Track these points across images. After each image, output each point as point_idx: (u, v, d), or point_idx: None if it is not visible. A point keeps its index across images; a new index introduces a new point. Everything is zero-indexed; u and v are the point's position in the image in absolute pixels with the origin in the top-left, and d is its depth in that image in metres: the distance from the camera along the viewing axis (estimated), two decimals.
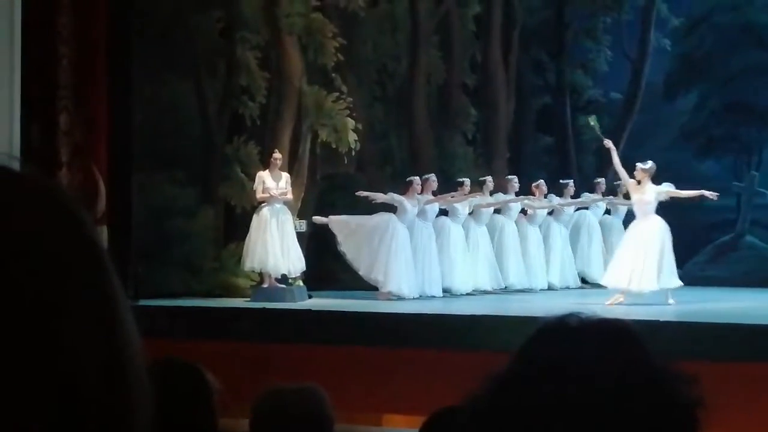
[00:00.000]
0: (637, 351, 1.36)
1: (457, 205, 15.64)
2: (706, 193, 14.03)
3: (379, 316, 12.66)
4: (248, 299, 14.44)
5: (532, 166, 20.19)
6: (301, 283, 14.74)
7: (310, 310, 13.18)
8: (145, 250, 14.68)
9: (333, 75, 17.24)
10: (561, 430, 1.30)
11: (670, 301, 13.37)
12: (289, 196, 14.69)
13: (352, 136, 16.98)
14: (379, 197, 14.99)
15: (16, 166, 0.98)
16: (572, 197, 17.53)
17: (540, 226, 17.10)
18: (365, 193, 15.02)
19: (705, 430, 1.36)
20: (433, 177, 15.39)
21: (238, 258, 14.80)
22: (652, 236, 13.37)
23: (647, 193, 13.44)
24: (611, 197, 17.79)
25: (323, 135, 16.97)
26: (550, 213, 17.32)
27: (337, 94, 17.13)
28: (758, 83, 19.90)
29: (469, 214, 16.00)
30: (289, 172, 15.18)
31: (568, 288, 17.05)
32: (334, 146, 17.04)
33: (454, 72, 19.79)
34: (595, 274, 17.56)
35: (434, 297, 14.89)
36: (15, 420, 0.90)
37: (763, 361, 10.00)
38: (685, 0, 21.09)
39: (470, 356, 10.03)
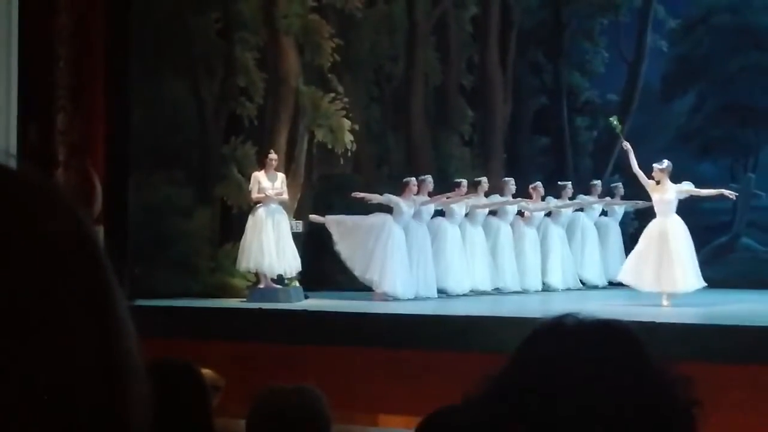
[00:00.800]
0: (635, 352, 1.37)
1: (453, 206, 15.64)
2: (726, 192, 14.10)
3: (375, 316, 12.66)
4: (244, 299, 14.44)
5: (529, 168, 20.19)
6: (297, 284, 14.74)
7: (306, 310, 13.18)
8: (141, 250, 14.67)
9: (330, 75, 17.24)
10: (559, 431, 1.30)
11: (665, 302, 13.38)
12: (285, 196, 14.68)
13: (349, 137, 16.98)
14: (375, 198, 14.99)
15: (13, 164, 0.98)
16: (569, 199, 17.53)
17: (538, 228, 17.10)
18: (361, 195, 15.02)
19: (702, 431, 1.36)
20: (429, 178, 15.38)
21: (235, 258, 14.80)
22: (676, 236, 13.42)
23: (668, 192, 13.50)
24: (608, 198, 17.80)
25: (320, 135, 16.97)
26: (547, 215, 17.33)
27: (333, 94, 17.13)
28: (755, 85, 19.91)
29: (466, 215, 15.99)
30: (285, 173, 15.18)
31: (568, 290, 17.06)
32: (330, 147, 17.04)
33: (451, 73, 19.80)
34: (589, 275, 17.59)
35: (428, 298, 14.89)
36: (11, 420, 0.90)
37: (760, 363, 10.00)
38: (682, 1, 21.10)
39: (466, 357, 10.04)
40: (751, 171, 19.95)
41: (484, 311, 13.09)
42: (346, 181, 17.13)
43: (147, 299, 12.67)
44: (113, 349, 0.96)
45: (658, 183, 13.62)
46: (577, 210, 17.75)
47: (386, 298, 14.45)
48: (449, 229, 15.62)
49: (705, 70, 20.77)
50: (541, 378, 1.32)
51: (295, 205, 16.01)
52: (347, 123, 17.00)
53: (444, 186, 15.92)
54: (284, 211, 14.78)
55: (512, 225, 16.80)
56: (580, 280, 17.54)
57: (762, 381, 9.85)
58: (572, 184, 17.81)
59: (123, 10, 14.16)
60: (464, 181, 15.77)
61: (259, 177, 14.53)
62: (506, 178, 17.08)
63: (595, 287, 17.50)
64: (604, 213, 18.09)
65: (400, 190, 15.13)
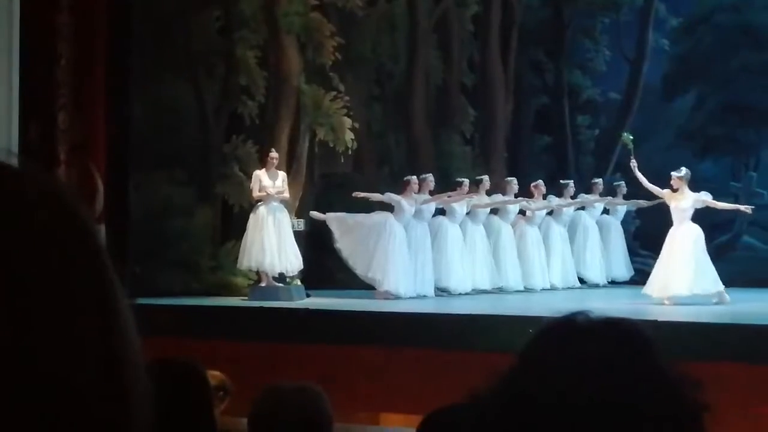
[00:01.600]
0: (645, 351, 1.36)
1: (454, 205, 15.63)
2: (742, 208, 14.19)
3: (377, 315, 12.66)
4: (246, 298, 14.44)
5: (530, 166, 20.18)
6: (299, 282, 14.74)
7: (307, 309, 13.17)
8: (142, 248, 14.67)
9: (331, 74, 17.24)
10: (566, 430, 1.30)
11: (666, 301, 13.40)
12: (286, 194, 14.67)
13: (350, 136, 16.99)
14: (376, 197, 14.99)
15: (14, 162, 0.98)
16: (571, 198, 17.52)
17: (540, 227, 17.09)
18: (362, 194, 15.01)
19: None
20: (430, 177, 15.38)
21: (236, 257, 14.79)
22: (687, 242, 13.47)
23: (684, 200, 13.55)
24: (609, 197, 17.79)
25: (321, 134, 16.98)
26: (549, 213, 17.31)
27: (335, 93, 17.14)
28: (756, 84, 19.90)
29: (467, 214, 15.99)
30: (287, 171, 15.18)
31: (570, 288, 17.06)
32: (331, 145, 17.05)
33: (452, 72, 19.80)
34: (590, 274, 17.59)
35: (426, 297, 14.89)
36: (13, 419, 0.90)
37: (761, 363, 10.00)
38: (684, 0, 21.08)
39: (467, 355, 10.05)
40: (753, 170, 19.94)
41: (486, 310, 13.08)
42: (347, 180, 17.13)
43: (148, 298, 12.66)
44: (115, 347, 0.96)
45: (675, 190, 13.68)
46: (578, 209, 17.74)
47: (388, 296, 14.45)
48: (450, 228, 15.61)
49: (706, 68, 20.76)
50: (550, 376, 1.32)
51: (297, 204, 16.01)
52: (348, 121, 17.01)
53: (445, 185, 15.92)
54: (285, 210, 14.77)
55: (513, 224, 16.80)
56: (582, 279, 17.52)
57: (763, 380, 9.84)
58: (574, 182, 17.80)
59: (124, 8, 14.16)
60: (466, 181, 15.76)
61: (260, 175, 14.52)
62: (508, 178, 17.06)
63: (596, 286, 17.50)
64: (605, 212, 18.08)
65: (401, 188, 15.13)
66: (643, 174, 14.48)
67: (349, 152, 17.19)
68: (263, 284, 14.52)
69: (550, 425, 1.30)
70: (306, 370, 9.72)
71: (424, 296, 14.88)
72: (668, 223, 13.92)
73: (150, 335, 1.27)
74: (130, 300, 1.01)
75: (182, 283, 15.17)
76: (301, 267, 14.70)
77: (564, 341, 1.36)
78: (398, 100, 19.10)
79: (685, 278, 13.41)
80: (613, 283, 17.77)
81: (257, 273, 14.76)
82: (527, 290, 16.43)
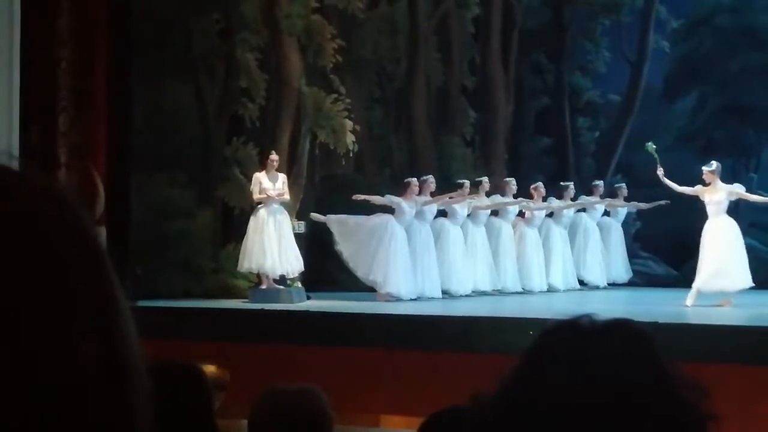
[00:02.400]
0: (650, 353, 1.36)
1: (455, 206, 15.63)
2: None
3: (378, 317, 12.65)
4: (246, 300, 14.43)
5: (531, 168, 20.18)
6: (300, 284, 14.72)
7: (308, 311, 13.17)
8: (143, 250, 14.67)
9: (332, 76, 17.25)
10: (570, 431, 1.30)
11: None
12: (287, 196, 14.66)
13: (351, 138, 17.00)
14: (377, 200, 14.98)
15: (15, 165, 0.98)
16: (571, 200, 17.52)
17: (540, 229, 17.09)
18: (363, 197, 15.00)
19: None
20: (431, 178, 15.37)
21: (236, 259, 14.78)
22: (727, 235, 13.57)
23: (717, 193, 13.65)
24: (610, 199, 17.79)
25: (322, 136, 16.99)
26: (549, 215, 17.30)
27: (336, 95, 17.15)
28: (757, 85, 19.89)
29: (468, 215, 15.98)
30: (287, 174, 15.16)
31: (570, 290, 17.05)
32: (332, 147, 17.06)
33: (452, 74, 19.81)
34: (590, 276, 17.59)
35: (433, 298, 14.89)
36: (14, 421, 0.90)
37: (762, 364, 10.00)
38: (684, 2, 21.09)
39: (468, 357, 10.05)
40: (753, 171, 19.94)
41: (486, 312, 13.08)
42: (348, 182, 17.13)
43: (149, 300, 12.67)
44: (115, 349, 0.96)
45: (708, 184, 13.76)
46: (579, 210, 17.73)
47: (389, 298, 14.45)
48: (451, 229, 15.61)
49: (707, 70, 20.76)
50: (552, 379, 1.32)
51: (297, 206, 16.01)
52: (349, 124, 17.01)
53: (446, 187, 15.91)
54: (286, 212, 14.77)
55: (513, 225, 16.79)
56: (582, 281, 17.52)
57: (765, 382, 9.84)
58: (574, 184, 17.79)
59: (124, 11, 14.16)
60: (467, 182, 15.75)
61: (261, 178, 14.52)
62: (507, 179, 17.05)
63: (597, 288, 17.50)
64: (606, 213, 18.08)
65: (401, 190, 15.13)
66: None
67: (351, 154, 17.20)
68: (264, 286, 14.52)
69: (553, 427, 1.30)
70: (306, 372, 9.72)
71: (431, 298, 14.87)
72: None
73: (150, 337, 1.28)
74: (131, 302, 1.01)
75: (183, 285, 15.17)
76: (302, 269, 14.68)
77: (566, 344, 1.36)
78: (399, 102, 19.11)
79: (744, 271, 13.57)
80: (612, 285, 17.77)
81: (258, 275, 14.75)
82: (526, 292, 16.42)
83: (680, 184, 14.17)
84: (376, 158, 18.57)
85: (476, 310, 13.17)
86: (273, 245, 14.35)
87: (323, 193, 17.30)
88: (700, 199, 13.88)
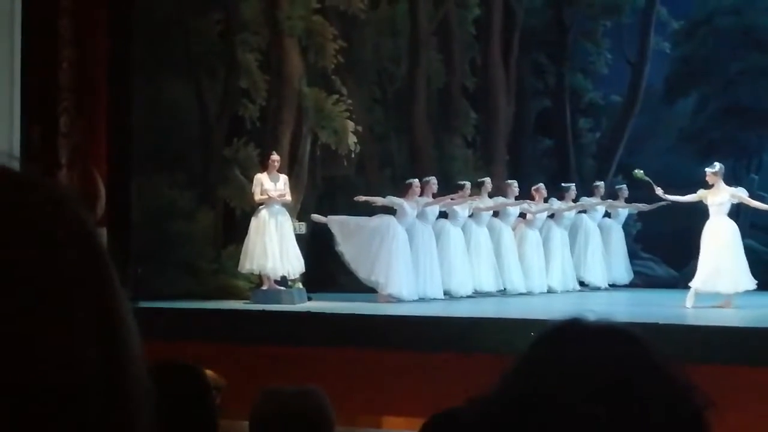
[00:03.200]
0: (643, 355, 1.36)
1: (457, 207, 15.63)
2: None
3: (379, 318, 12.65)
4: (247, 301, 14.43)
5: (532, 169, 20.17)
6: (301, 285, 14.72)
7: (309, 312, 13.17)
8: (144, 251, 14.68)
9: (333, 77, 17.25)
10: None
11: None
12: (288, 197, 14.66)
13: (352, 139, 17.00)
14: (378, 201, 14.99)
15: (16, 166, 0.98)
16: (573, 201, 17.51)
17: (540, 230, 17.08)
18: (364, 198, 15.00)
19: None
20: (433, 179, 15.37)
21: (237, 260, 14.78)
22: (726, 237, 13.60)
23: (720, 194, 13.70)
24: (611, 201, 17.78)
25: (323, 137, 16.99)
26: (550, 216, 17.29)
27: (337, 96, 17.15)
28: (758, 86, 19.90)
29: (469, 216, 15.98)
30: (288, 174, 15.15)
31: (571, 291, 17.05)
32: (333, 148, 17.06)
33: (454, 74, 19.80)
34: (591, 277, 17.59)
35: (434, 299, 14.89)
36: (15, 422, 0.90)
37: (763, 366, 10.00)
38: (685, 3, 21.08)
39: (470, 358, 10.05)
40: (755, 172, 19.94)
41: (488, 313, 13.09)
42: (349, 183, 17.14)
43: (150, 301, 12.68)
44: (116, 350, 0.96)
45: (711, 186, 13.80)
46: (580, 212, 17.72)
47: (390, 299, 14.45)
48: (453, 230, 15.61)
49: (708, 71, 20.76)
50: (552, 379, 1.32)
51: (299, 207, 16.01)
52: (351, 125, 17.02)
53: (447, 188, 15.91)
54: (287, 213, 14.76)
55: (514, 227, 16.78)
56: (583, 282, 17.51)
57: (762, 383, 9.84)
58: (575, 185, 17.78)
59: (125, 12, 14.17)
60: (468, 183, 15.75)
61: (262, 178, 14.51)
62: (509, 180, 17.04)
63: (598, 289, 17.50)
64: (607, 215, 18.07)
65: (403, 191, 15.13)
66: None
67: (352, 155, 17.20)
68: (265, 287, 14.51)
69: (552, 428, 1.30)
70: (308, 373, 9.72)
71: (433, 299, 14.87)
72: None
73: (151, 338, 1.28)
74: (132, 303, 1.01)
75: (184, 286, 15.17)
76: (303, 270, 14.68)
77: (566, 344, 1.37)
78: (400, 103, 19.10)
79: (741, 273, 13.59)
80: (613, 286, 17.77)
81: (259, 276, 14.75)
82: (528, 293, 16.40)
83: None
84: (377, 159, 18.56)
85: (477, 311, 13.17)
86: (274, 246, 14.35)
87: (324, 193, 17.30)
88: (701, 201, 13.90)
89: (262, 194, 14.45)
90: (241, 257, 14.59)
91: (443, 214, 15.68)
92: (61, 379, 0.92)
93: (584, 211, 17.78)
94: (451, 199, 15.50)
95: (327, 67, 17.14)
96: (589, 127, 21.57)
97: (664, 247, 18.74)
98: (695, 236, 13.95)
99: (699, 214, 14.04)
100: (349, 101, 17.24)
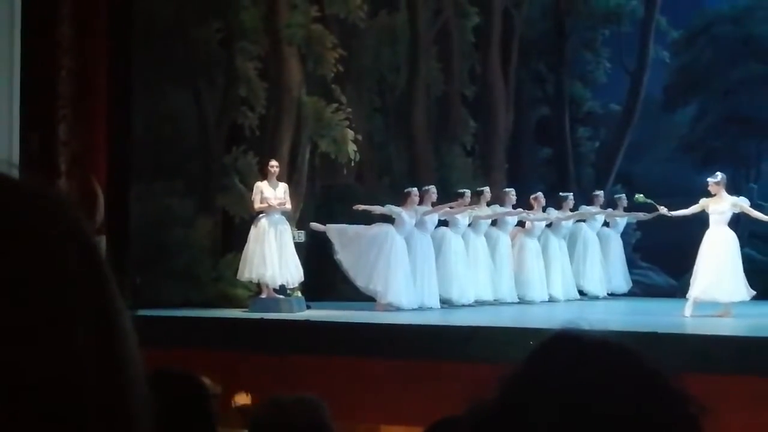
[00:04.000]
0: (636, 366, 1.37)
1: (457, 216, 15.63)
2: None
3: (378, 327, 12.64)
4: (246, 309, 14.42)
5: (531, 178, 20.19)
6: (300, 294, 14.72)
7: (308, 320, 13.16)
8: (143, 259, 14.67)
9: (332, 86, 17.25)
10: None
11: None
12: (288, 206, 14.65)
13: (352, 147, 17.00)
14: (377, 209, 14.99)
15: (15, 174, 0.98)
16: (571, 210, 17.51)
17: (539, 239, 17.08)
18: (363, 207, 15.00)
19: None
20: (432, 188, 15.37)
21: (236, 268, 14.78)
22: (724, 246, 13.63)
23: (721, 204, 13.75)
24: (610, 210, 17.79)
25: (322, 145, 16.99)
26: (548, 225, 17.29)
27: (336, 104, 17.15)
28: (757, 95, 19.91)
29: (468, 225, 15.99)
30: (288, 183, 15.15)
31: (570, 300, 17.04)
32: (333, 157, 17.06)
33: (453, 83, 19.81)
34: (589, 286, 17.59)
35: (433, 308, 14.88)
36: (15, 425, 0.90)
37: (761, 375, 9.99)
38: (685, 12, 21.11)
39: (469, 367, 10.03)
40: (753, 181, 19.95)
41: (486, 321, 13.07)
42: (348, 191, 17.14)
43: (149, 309, 12.66)
44: (115, 358, 0.96)
45: (713, 195, 13.84)
46: (579, 221, 17.72)
47: (389, 308, 14.44)
48: (453, 239, 15.62)
49: (707, 80, 20.79)
50: (549, 389, 1.32)
51: (298, 215, 16.00)
52: (350, 133, 17.02)
53: (446, 196, 15.91)
54: (287, 221, 14.76)
55: (512, 235, 16.77)
56: (582, 291, 17.51)
57: (762, 392, 9.84)
58: (574, 194, 17.79)
59: (124, 20, 14.17)
60: (467, 191, 15.76)
61: (262, 187, 14.51)
62: (507, 189, 17.05)
63: (596, 298, 17.50)
64: (606, 224, 18.08)
65: (401, 200, 15.13)
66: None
67: (352, 164, 17.21)
68: (264, 296, 14.51)
69: None
70: (306, 381, 9.71)
71: (430, 308, 14.87)
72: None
73: (150, 346, 1.27)
74: (130, 311, 1.01)
75: (182, 295, 15.16)
76: (302, 279, 14.68)
77: (559, 355, 1.37)
78: (399, 112, 19.11)
79: (738, 284, 13.61)
80: (612, 295, 17.77)
81: (258, 284, 14.74)
82: (526, 302, 16.40)
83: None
84: (377, 167, 18.57)
85: (476, 320, 13.16)
86: (273, 255, 14.35)
87: (323, 202, 17.30)
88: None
89: (261, 202, 14.44)
90: (240, 265, 14.58)
91: (443, 223, 15.69)
92: (61, 388, 0.92)
93: (583, 220, 17.79)
94: (450, 207, 15.51)
95: (326, 76, 17.14)
96: (588, 136, 21.59)
97: (663, 256, 18.73)
98: (694, 245, 13.96)
99: (697, 223, 14.06)
100: (349, 110, 17.24)
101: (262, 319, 13.22)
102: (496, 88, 20.24)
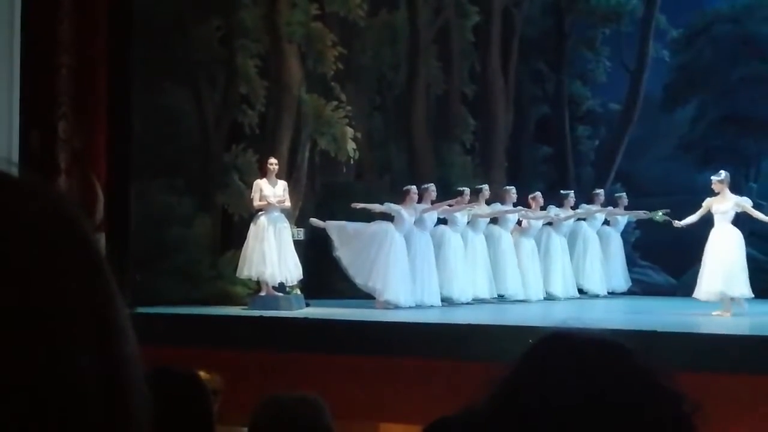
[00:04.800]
0: (631, 365, 1.37)
1: (456, 214, 15.63)
2: None
3: (377, 324, 12.65)
4: (246, 307, 14.42)
5: (531, 176, 20.19)
6: (299, 292, 14.72)
7: (307, 318, 13.17)
8: (142, 257, 14.66)
9: (332, 84, 17.26)
10: None
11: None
12: (287, 203, 14.65)
13: (351, 145, 17.00)
14: (376, 208, 14.98)
15: (14, 171, 0.98)
16: (572, 208, 17.50)
17: (539, 237, 17.07)
18: (362, 205, 14.99)
19: None
20: (431, 186, 15.37)
21: (236, 266, 14.77)
22: (729, 244, 13.64)
23: (725, 203, 13.78)
24: (610, 208, 17.78)
25: (322, 143, 16.99)
26: (549, 224, 17.28)
27: (336, 102, 17.15)
28: (757, 95, 19.91)
29: (468, 223, 15.98)
30: (287, 181, 15.15)
31: (570, 298, 17.04)
32: (333, 155, 17.06)
33: (453, 82, 19.81)
34: (590, 284, 17.58)
35: (432, 306, 14.88)
36: (14, 424, 0.90)
37: (761, 373, 9.99)
38: (684, 11, 21.10)
39: (468, 365, 10.03)
40: (753, 181, 19.95)
41: (486, 320, 13.08)
42: (348, 189, 17.14)
43: (148, 307, 12.66)
44: (114, 356, 0.96)
45: (717, 194, 13.85)
46: (579, 219, 17.72)
47: (388, 306, 14.44)
48: (452, 237, 15.61)
49: (706, 79, 20.78)
50: (545, 387, 1.33)
51: (297, 213, 16.01)
52: (350, 131, 17.02)
53: (446, 194, 15.91)
54: (286, 219, 14.76)
55: (510, 234, 16.77)
56: (581, 290, 17.50)
57: (761, 391, 9.84)
58: (574, 193, 17.78)
59: (125, 18, 14.16)
60: (467, 190, 15.76)
61: (262, 184, 14.50)
62: (507, 186, 17.05)
63: (596, 296, 17.49)
64: (606, 222, 18.07)
65: (401, 198, 15.13)
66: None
67: (351, 162, 17.20)
68: (263, 293, 14.50)
69: None
70: (305, 379, 9.72)
71: (431, 306, 14.86)
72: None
73: (149, 344, 1.27)
74: (130, 309, 1.01)
75: (182, 292, 15.15)
76: (301, 276, 14.68)
77: (554, 355, 1.37)
78: (399, 110, 19.11)
79: (742, 280, 13.61)
80: (611, 293, 17.77)
81: (257, 282, 14.74)
82: (526, 300, 16.39)
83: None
84: (376, 166, 18.57)
85: (475, 318, 13.16)
86: (273, 253, 14.35)
87: (323, 199, 17.30)
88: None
89: (261, 200, 14.44)
90: (240, 263, 14.58)
91: (442, 221, 15.68)
92: (58, 386, 0.92)
93: (583, 219, 17.78)
94: (449, 205, 15.51)
95: (326, 74, 17.15)
96: (588, 135, 21.59)
97: (663, 255, 18.74)
98: (693, 244, 13.96)
99: (697, 222, 14.06)
100: (349, 108, 17.24)
101: (261, 316, 13.22)
102: (496, 87, 20.24)
